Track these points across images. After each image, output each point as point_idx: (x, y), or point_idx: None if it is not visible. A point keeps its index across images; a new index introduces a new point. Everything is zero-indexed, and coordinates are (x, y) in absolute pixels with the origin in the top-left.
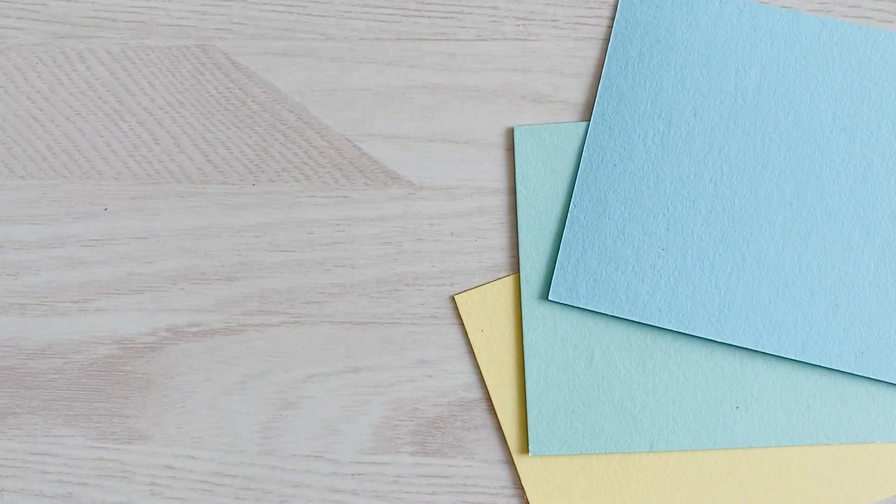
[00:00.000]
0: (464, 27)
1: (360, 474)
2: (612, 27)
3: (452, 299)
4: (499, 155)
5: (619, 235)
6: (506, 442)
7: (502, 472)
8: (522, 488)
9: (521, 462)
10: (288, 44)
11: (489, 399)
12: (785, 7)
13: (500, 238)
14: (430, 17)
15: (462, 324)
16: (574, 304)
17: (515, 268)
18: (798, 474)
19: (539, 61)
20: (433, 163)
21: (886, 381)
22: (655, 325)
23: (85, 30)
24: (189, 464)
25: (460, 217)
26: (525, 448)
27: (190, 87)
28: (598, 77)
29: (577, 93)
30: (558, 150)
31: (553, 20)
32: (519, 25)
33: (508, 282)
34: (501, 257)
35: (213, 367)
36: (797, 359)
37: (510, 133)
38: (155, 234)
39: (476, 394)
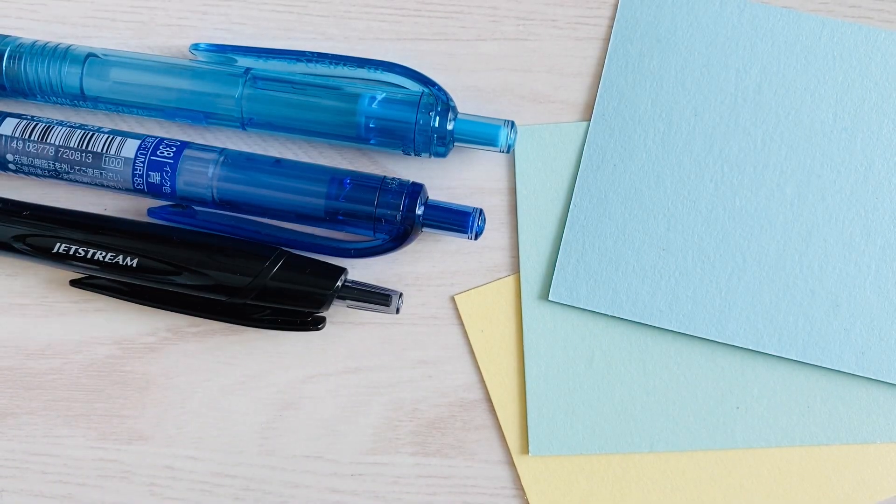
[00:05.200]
0: (464, 27)
1: (359, 475)
2: (612, 27)
3: (452, 299)
4: (499, 155)
5: (620, 236)
6: (506, 442)
7: (502, 472)
8: (523, 489)
9: (522, 462)
10: (288, 44)
11: (489, 399)
12: (786, 7)
13: (500, 238)
14: (429, 17)
15: (462, 324)
16: (574, 305)
17: (515, 268)
18: (798, 475)
19: (539, 61)
20: (433, 163)
21: (887, 381)
22: (656, 325)
23: (85, 30)
24: (189, 464)
25: None
26: (525, 448)
27: None
28: (598, 77)
29: (577, 93)
30: (558, 150)
31: (553, 20)
32: (519, 25)
33: (508, 282)
34: (501, 257)
35: (213, 368)
36: (798, 359)
37: None
38: None
39: (476, 394)
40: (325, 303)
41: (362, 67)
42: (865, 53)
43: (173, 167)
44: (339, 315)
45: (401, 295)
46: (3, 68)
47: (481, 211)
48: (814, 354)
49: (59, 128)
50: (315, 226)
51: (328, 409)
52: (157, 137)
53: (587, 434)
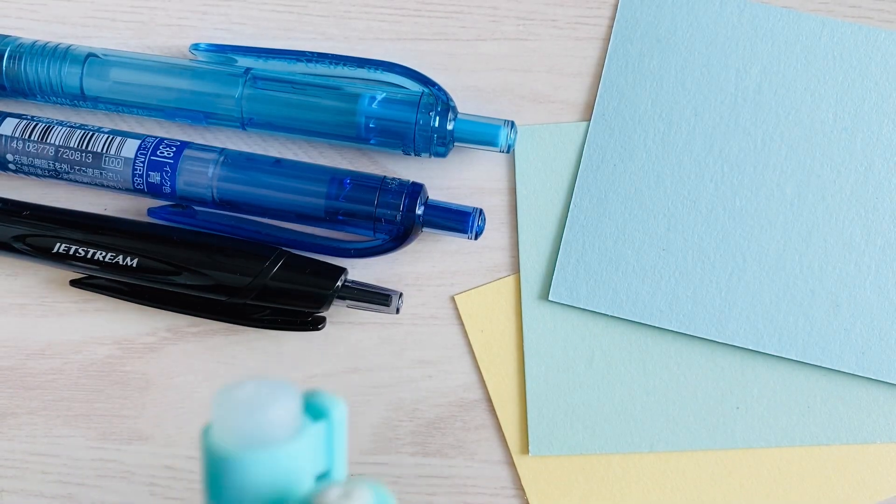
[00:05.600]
0: (464, 27)
1: (359, 474)
2: (612, 27)
3: (452, 299)
4: (499, 155)
5: (620, 235)
6: (506, 442)
7: (502, 472)
8: (523, 489)
9: (522, 462)
10: (288, 44)
11: (489, 399)
12: (786, 7)
13: (500, 238)
14: (429, 17)
15: (462, 324)
16: (574, 305)
17: (515, 268)
18: (798, 475)
19: (539, 61)
20: (433, 163)
21: (887, 381)
22: (656, 325)
23: (85, 30)
24: (189, 464)
25: None
26: (525, 448)
27: None
28: (598, 77)
29: (577, 93)
30: (558, 150)
31: (553, 20)
32: (519, 25)
33: (508, 282)
34: (501, 257)
35: (213, 368)
36: (798, 359)
37: None
38: None
39: (476, 394)
40: (325, 303)
41: (362, 67)
42: (865, 53)
43: (173, 167)
44: (339, 315)
45: (401, 295)
46: (3, 68)
47: (481, 211)
48: (814, 354)
49: (59, 128)
50: (315, 226)
51: None
52: (157, 137)
53: (587, 434)
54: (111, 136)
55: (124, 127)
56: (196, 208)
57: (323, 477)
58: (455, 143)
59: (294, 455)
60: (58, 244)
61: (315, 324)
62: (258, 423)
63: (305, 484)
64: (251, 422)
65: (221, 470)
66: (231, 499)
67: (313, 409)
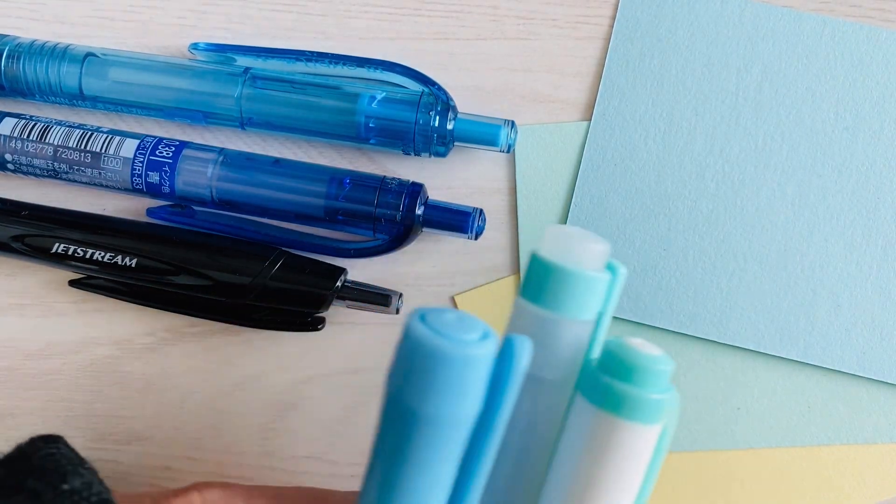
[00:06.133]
0: (464, 27)
1: (359, 475)
2: (612, 26)
3: (452, 299)
4: (499, 155)
5: (620, 235)
6: None
7: None
8: None
9: None
10: (288, 43)
11: None
12: (786, 6)
13: (500, 238)
14: (429, 16)
15: None
16: None
17: (515, 268)
18: (799, 475)
19: (539, 61)
20: (433, 163)
21: (888, 381)
22: (656, 325)
23: (84, 29)
24: (188, 465)
25: None
26: None
27: None
28: (598, 76)
29: (577, 92)
30: (559, 149)
31: (553, 19)
32: (519, 25)
33: (508, 282)
34: (501, 257)
35: (213, 368)
36: (799, 360)
37: None
38: None
39: None
40: (324, 303)
41: (362, 67)
42: (866, 53)
43: (172, 167)
44: (339, 315)
45: (400, 295)
46: (2, 68)
47: (481, 211)
48: (815, 355)
49: (58, 127)
50: (315, 226)
51: (328, 410)
52: (155, 137)
53: None
54: (110, 136)
55: (123, 127)
56: (195, 208)
57: (599, 315)
58: (455, 143)
59: (595, 283)
60: (56, 244)
61: (315, 324)
62: (582, 250)
63: (591, 312)
64: (577, 248)
65: (545, 278)
66: (544, 299)
67: (608, 266)
